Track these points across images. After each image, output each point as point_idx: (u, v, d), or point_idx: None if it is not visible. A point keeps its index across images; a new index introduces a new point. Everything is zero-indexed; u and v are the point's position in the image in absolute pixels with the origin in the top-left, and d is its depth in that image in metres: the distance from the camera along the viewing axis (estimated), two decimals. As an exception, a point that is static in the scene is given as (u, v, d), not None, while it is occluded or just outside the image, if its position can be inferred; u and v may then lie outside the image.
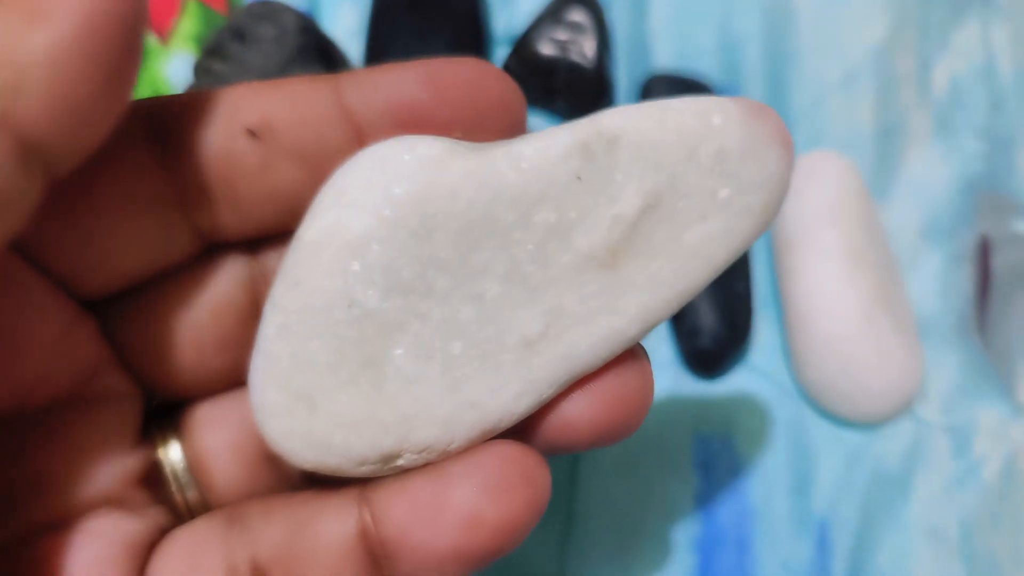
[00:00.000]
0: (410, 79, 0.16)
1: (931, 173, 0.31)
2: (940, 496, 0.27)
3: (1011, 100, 0.31)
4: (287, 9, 0.29)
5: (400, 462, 0.16)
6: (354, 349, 0.15)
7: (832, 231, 0.28)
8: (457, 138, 0.16)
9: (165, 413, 0.18)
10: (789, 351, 0.28)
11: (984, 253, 0.30)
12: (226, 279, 0.17)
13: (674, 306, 0.16)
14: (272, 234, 0.17)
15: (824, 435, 0.28)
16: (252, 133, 0.16)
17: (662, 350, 0.29)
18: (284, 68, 0.28)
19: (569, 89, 0.30)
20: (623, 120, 0.16)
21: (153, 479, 0.17)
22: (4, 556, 0.15)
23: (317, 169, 0.16)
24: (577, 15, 0.30)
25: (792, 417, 0.28)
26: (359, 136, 0.16)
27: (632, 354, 0.17)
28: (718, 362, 0.28)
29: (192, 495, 0.17)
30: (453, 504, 0.15)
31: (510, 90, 0.16)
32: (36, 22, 0.12)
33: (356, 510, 0.16)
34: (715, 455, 0.28)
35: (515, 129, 0.16)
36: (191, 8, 0.32)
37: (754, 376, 0.28)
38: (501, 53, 0.31)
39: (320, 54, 0.29)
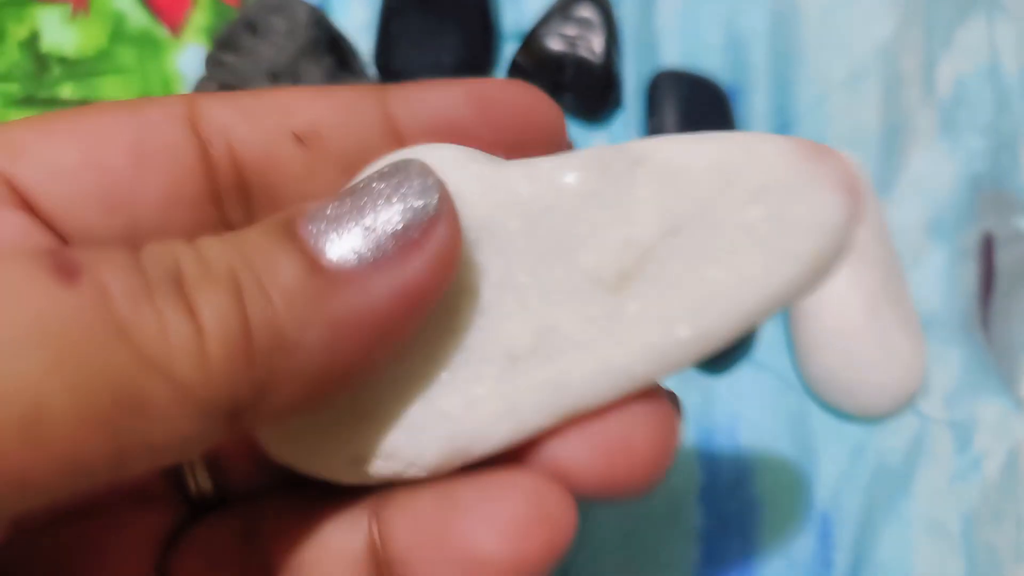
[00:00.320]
0: (457, 96, 0.16)
1: (935, 171, 0.31)
2: (942, 490, 0.27)
3: (1016, 99, 0.31)
4: (298, 2, 0.29)
5: (368, 468, 0.15)
6: None
7: (837, 227, 0.28)
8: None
9: None
10: (793, 346, 0.28)
11: (988, 250, 0.30)
12: None
13: (691, 350, 0.14)
14: None
15: (827, 429, 0.28)
16: (299, 138, 0.15)
17: (667, 344, 0.29)
18: (295, 61, 0.28)
19: (577, 84, 0.30)
20: (655, 144, 0.14)
21: (171, 472, 0.17)
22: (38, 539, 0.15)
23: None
24: (585, 11, 0.30)
25: (795, 411, 0.28)
26: (401, 148, 0.16)
27: (650, 397, 0.14)
28: (723, 356, 0.28)
29: (207, 487, 0.17)
30: (458, 537, 0.13)
31: (555, 116, 0.16)
32: (319, 327, 0.12)
33: (367, 524, 0.15)
34: (719, 449, 0.28)
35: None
36: (203, 1, 0.32)
37: (758, 370, 0.29)
38: (510, 48, 0.32)
39: (331, 47, 0.29)
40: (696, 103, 0.30)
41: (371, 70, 0.31)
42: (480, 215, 0.14)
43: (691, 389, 0.28)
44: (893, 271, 0.28)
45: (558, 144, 0.16)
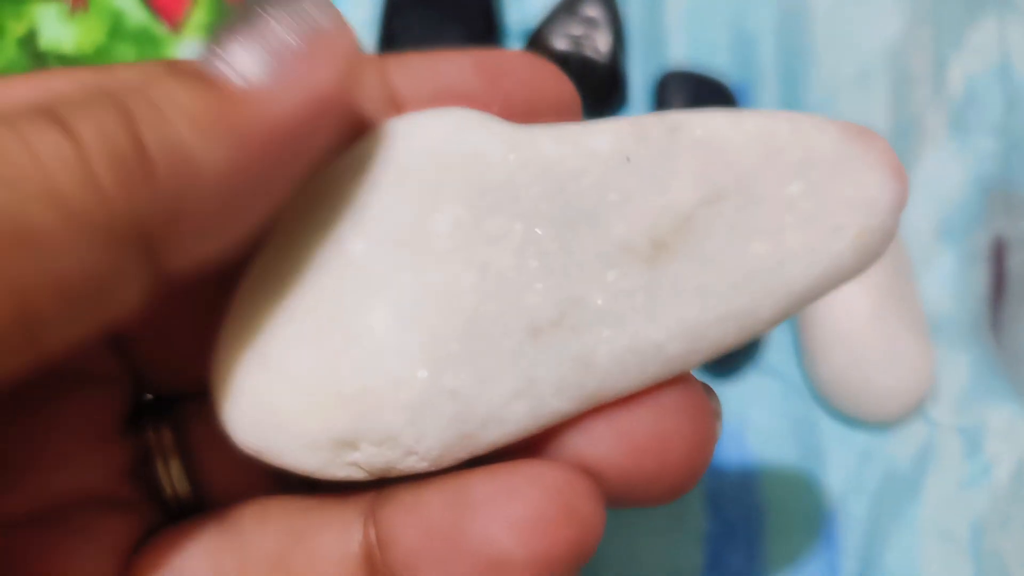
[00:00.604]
0: (465, 66, 0.15)
1: (945, 172, 0.30)
2: (950, 497, 0.27)
3: (1027, 100, 0.31)
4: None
5: (356, 456, 0.13)
6: (326, 299, 0.13)
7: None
8: None
9: (159, 407, 0.17)
10: (801, 350, 0.28)
11: (999, 254, 0.29)
12: (234, 260, 0.15)
13: (733, 330, 0.13)
14: None
15: (835, 434, 0.28)
16: None
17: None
18: (297, 60, 0.28)
19: (583, 84, 0.30)
20: (694, 115, 0.13)
21: (143, 473, 0.16)
22: None
23: None
24: (591, 10, 0.30)
25: (803, 416, 0.28)
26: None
27: (685, 385, 0.13)
28: (730, 360, 0.28)
29: (185, 491, 0.16)
30: (474, 539, 0.12)
31: (569, 91, 0.15)
32: (221, 137, 0.11)
33: (362, 527, 0.13)
34: (726, 453, 0.28)
35: None
36: (203, -2, 0.32)
37: (766, 375, 0.28)
38: (514, 47, 0.31)
39: (333, 46, 0.29)
40: (703, 102, 0.30)
41: (374, 69, 0.31)
42: (500, 176, 0.13)
43: (697, 393, 0.28)
44: (902, 274, 0.28)
45: (571, 117, 0.15)
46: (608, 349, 0.13)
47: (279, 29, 0.12)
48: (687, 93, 0.30)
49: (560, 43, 0.30)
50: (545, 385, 0.13)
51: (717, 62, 0.31)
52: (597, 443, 0.13)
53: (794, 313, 0.13)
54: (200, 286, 0.15)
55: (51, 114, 0.11)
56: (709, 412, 0.13)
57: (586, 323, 0.13)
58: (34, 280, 0.10)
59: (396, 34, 0.30)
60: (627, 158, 0.13)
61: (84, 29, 0.31)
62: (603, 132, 0.13)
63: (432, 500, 0.13)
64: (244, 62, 0.12)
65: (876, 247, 0.13)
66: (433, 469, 0.13)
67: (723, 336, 0.13)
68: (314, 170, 0.13)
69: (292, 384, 0.13)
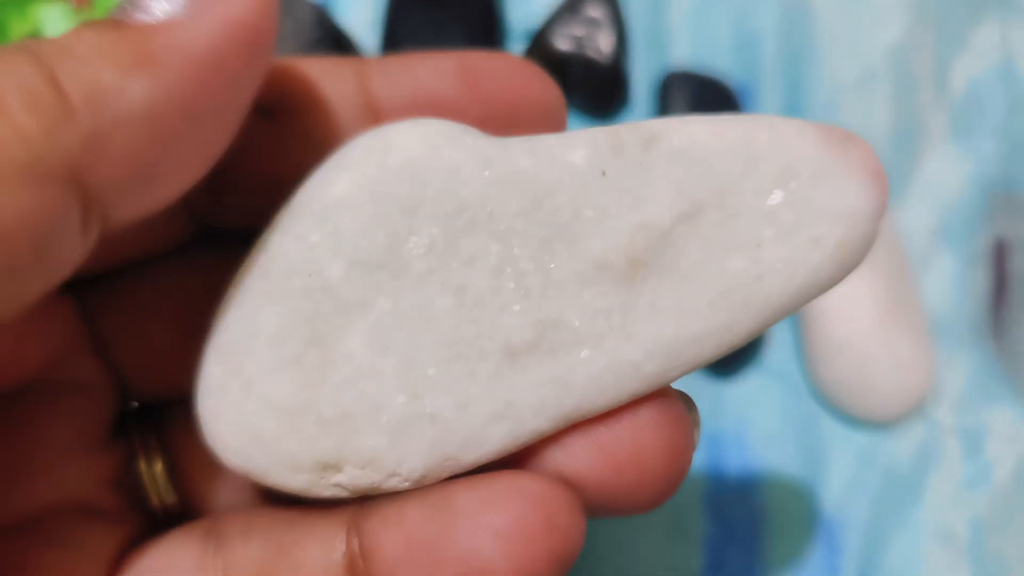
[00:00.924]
0: (445, 69, 0.14)
1: (947, 174, 0.30)
2: (951, 498, 0.27)
3: (1029, 101, 0.31)
4: (302, 2, 0.29)
5: (340, 477, 0.13)
6: (304, 324, 0.13)
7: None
8: None
9: (145, 415, 0.16)
10: (803, 351, 0.28)
11: (1000, 255, 0.29)
12: (217, 268, 0.15)
13: (710, 347, 0.13)
14: None
15: (836, 435, 0.28)
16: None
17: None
18: (299, 61, 0.28)
19: (585, 85, 0.30)
20: (672, 123, 0.13)
21: (129, 483, 0.16)
22: None
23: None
24: (594, 10, 0.30)
25: (804, 417, 0.28)
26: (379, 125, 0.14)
27: (663, 398, 0.13)
28: (732, 361, 0.28)
29: (171, 500, 0.16)
30: (456, 548, 0.12)
31: (551, 92, 0.15)
32: (139, 68, 0.11)
33: (345, 537, 0.13)
34: (727, 453, 0.28)
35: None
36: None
37: (767, 376, 0.28)
38: (517, 48, 0.31)
39: (335, 47, 0.29)
40: (706, 103, 0.30)
41: (376, 69, 0.31)
42: (475, 193, 0.13)
43: (698, 394, 0.28)
44: (903, 276, 0.28)
45: (556, 126, 0.15)
46: (585, 370, 0.13)
47: None
48: (690, 94, 0.30)
49: (562, 44, 0.30)
50: (523, 407, 0.13)
51: (720, 63, 0.31)
52: (577, 458, 0.13)
53: (772, 325, 0.13)
54: (182, 293, 0.15)
55: None
56: (686, 423, 0.14)
57: (563, 345, 0.13)
58: None
59: (398, 35, 0.30)
60: (603, 172, 0.13)
61: (87, 29, 0.32)
62: (579, 145, 0.13)
63: (414, 510, 0.13)
64: (156, 2, 0.12)
65: (856, 257, 0.13)
66: (416, 487, 0.13)
67: (700, 353, 0.13)
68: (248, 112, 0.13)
69: (274, 409, 0.13)
